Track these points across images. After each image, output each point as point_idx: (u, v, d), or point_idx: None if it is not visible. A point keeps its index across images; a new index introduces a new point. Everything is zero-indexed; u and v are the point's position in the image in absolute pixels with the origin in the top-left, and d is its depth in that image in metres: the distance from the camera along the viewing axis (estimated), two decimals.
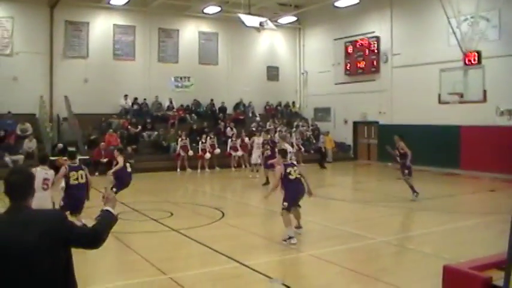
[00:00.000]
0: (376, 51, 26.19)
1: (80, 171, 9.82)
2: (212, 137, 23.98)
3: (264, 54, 30.85)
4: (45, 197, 8.65)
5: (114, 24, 25.92)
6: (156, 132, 24.66)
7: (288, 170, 9.57)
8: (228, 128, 26.11)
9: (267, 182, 17.03)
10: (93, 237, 3.37)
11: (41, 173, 8.82)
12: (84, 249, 3.38)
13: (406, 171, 14.22)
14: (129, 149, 21.87)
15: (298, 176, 9.64)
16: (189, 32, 28.18)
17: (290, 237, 9.31)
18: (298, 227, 10.15)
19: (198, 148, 23.21)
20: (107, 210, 3.56)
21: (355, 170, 24.70)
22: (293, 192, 9.58)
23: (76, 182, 9.68)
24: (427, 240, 9.85)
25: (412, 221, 11.87)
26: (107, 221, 3.49)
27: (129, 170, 12.91)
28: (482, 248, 8.87)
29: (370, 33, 26.60)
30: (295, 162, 10.47)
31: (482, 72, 17.12)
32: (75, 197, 9.62)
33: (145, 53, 26.73)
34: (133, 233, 10.36)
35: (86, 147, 22.02)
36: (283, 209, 9.41)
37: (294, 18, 29.97)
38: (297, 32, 32.10)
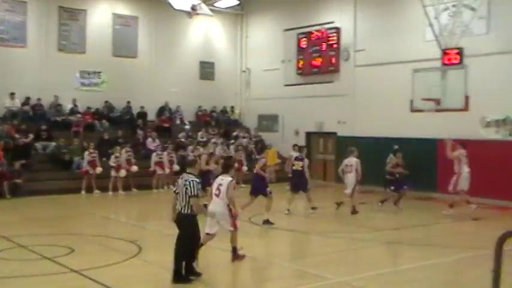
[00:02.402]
0: (335, 46, 26.63)
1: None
2: (129, 149, 23.62)
3: (197, 47, 30.80)
4: (219, 203, 10.53)
5: None
6: (54, 143, 23.97)
7: (294, 162, 17.60)
8: (149, 139, 25.81)
9: None
10: None
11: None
12: None
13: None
14: (17, 164, 21.15)
15: (300, 168, 17.15)
16: (100, 14, 27.76)
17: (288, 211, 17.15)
18: (313, 207, 17.36)
19: (110, 164, 22.79)
20: None
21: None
22: (293, 180, 17.69)
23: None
24: (397, 280, 9.92)
25: (377, 257, 11.94)
26: None
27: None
28: None
29: (329, 23, 27.04)
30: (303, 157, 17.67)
31: (464, 73, 17.59)
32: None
33: (41, 38, 26.14)
34: (17, 277, 9.88)
35: None
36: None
37: (236, 2, 30.10)
38: (239, 20, 32.25)
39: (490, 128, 20.78)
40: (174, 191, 9.53)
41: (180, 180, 9.35)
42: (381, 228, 15.20)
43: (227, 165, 11.10)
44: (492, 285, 3.47)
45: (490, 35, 20.51)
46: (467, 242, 13.72)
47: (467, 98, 17.61)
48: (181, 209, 9.15)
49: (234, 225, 10.52)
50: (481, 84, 19.07)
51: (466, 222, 16.64)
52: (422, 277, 10.21)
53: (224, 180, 10.51)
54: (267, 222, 15.09)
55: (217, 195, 10.47)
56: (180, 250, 9.23)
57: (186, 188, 9.03)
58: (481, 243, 12.11)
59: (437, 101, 18.10)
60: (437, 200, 20.90)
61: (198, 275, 9.39)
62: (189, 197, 9.00)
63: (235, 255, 10.65)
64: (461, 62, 17.65)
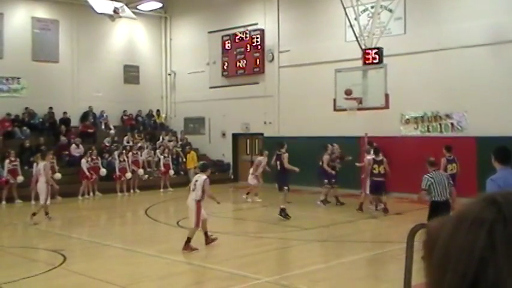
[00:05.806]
0: (259, 47, 26.84)
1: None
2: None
3: (121, 50, 30.44)
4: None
5: None
6: None
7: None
8: (73, 145, 25.32)
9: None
10: None
11: None
12: None
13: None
14: None
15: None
16: (18, 18, 27.02)
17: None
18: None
19: (32, 172, 22.18)
20: None
21: (235, 194, 24.86)
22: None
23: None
24: (323, 277, 10.06)
25: (305, 254, 12.11)
26: None
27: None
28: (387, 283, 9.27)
29: (253, 25, 27.25)
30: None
31: (384, 72, 17.97)
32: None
33: None
34: None
35: None
36: None
37: (159, 5, 29.90)
38: (163, 22, 32.06)
39: (408, 124, 21.48)
40: (429, 185, 10.83)
41: (439, 177, 11.07)
42: (308, 226, 15.39)
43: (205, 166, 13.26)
44: (404, 274, 3.63)
45: (407, 35, 21.27)
46: (389, 236, 14.09)
47: (387, 96, 18.03)
48: (445, 197, 10.71)
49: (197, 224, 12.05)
50: (400, 83, 19.69)
51: (389, 217, 17.09)
52: (348, 272, 10.42)
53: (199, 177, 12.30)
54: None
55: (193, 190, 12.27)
56: None
57: (449, 181, 11.04)
58: (401, 237, 12.48)
59: (359, 100, 18.46)
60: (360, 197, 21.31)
61: None
62: (452, 187, 11.05)
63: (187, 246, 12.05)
64: (380, 61, 18.07)
